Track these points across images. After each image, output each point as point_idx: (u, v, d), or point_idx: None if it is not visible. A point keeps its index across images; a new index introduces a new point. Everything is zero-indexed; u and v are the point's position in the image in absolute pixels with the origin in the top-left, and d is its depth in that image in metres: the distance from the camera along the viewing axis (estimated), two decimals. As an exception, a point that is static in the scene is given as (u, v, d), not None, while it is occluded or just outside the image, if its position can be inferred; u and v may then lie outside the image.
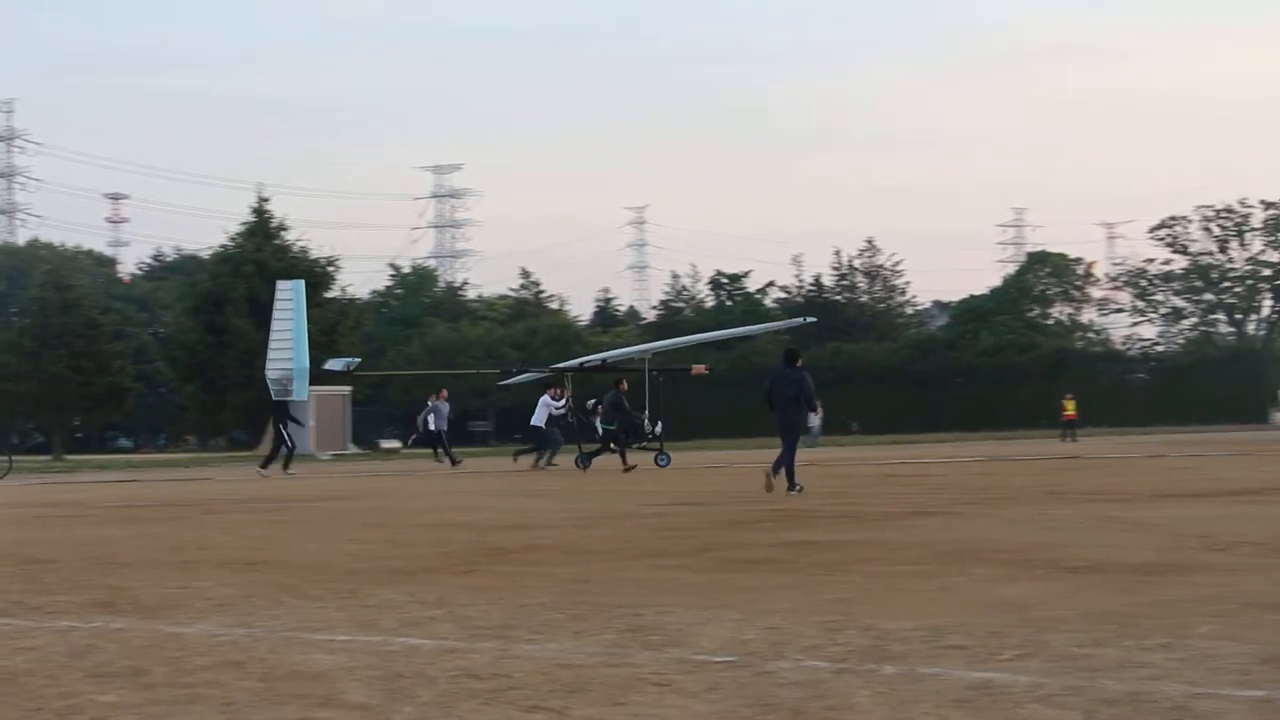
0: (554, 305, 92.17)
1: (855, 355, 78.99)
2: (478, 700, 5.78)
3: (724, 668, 6.30)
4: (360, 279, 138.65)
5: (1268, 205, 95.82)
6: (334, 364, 40.65)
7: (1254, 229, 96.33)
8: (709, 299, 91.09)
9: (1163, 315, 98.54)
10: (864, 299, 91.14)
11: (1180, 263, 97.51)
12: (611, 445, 30.76)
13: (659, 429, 31.09)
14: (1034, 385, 74.65)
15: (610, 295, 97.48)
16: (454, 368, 76.65)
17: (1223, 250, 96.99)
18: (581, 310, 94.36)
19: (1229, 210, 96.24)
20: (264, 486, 26.81)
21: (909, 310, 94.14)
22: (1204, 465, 27.43)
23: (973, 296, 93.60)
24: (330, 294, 62.53)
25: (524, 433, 42.70)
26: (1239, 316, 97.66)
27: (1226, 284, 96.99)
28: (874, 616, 7.64)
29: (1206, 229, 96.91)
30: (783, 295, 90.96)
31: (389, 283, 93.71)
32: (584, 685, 6.01)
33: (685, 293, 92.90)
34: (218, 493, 24.69)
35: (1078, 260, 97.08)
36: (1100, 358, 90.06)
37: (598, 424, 31.69)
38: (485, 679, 6.19)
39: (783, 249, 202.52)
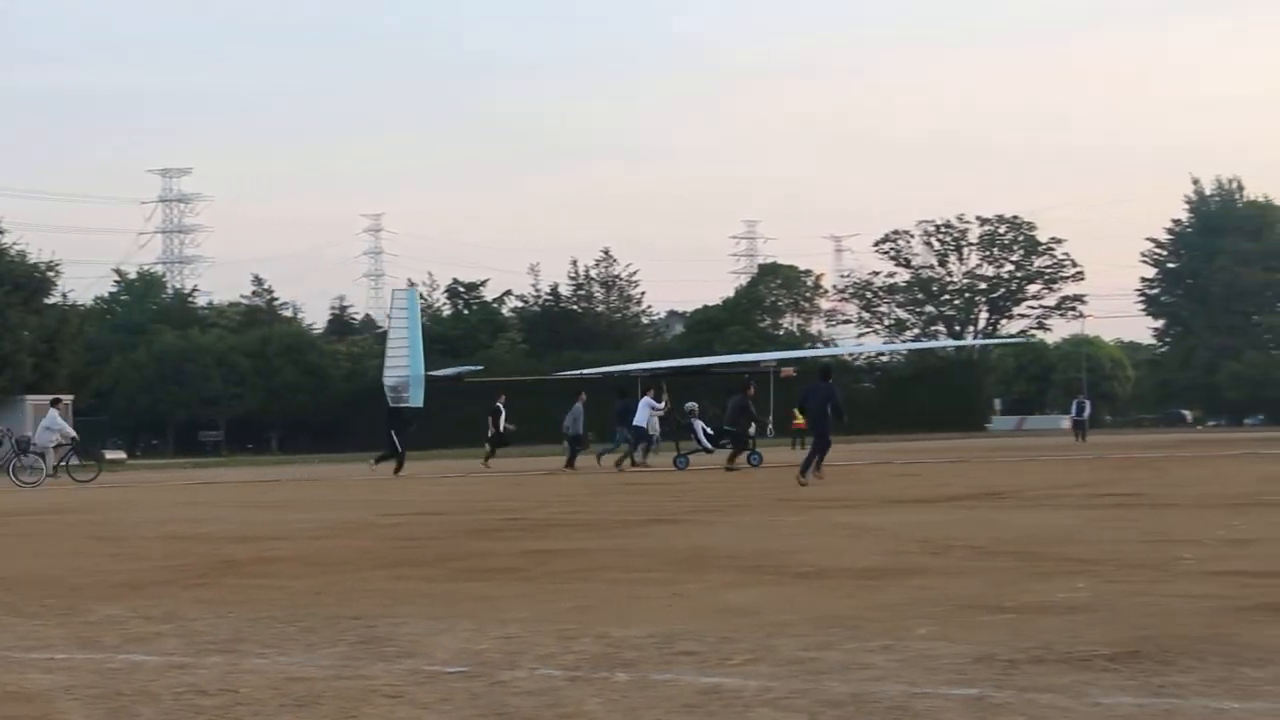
0: (287, 313, 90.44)
1: (591, 365, 79.45)
2: (204, 717, 5.65)
3: (457, 678, 6.28)
4: (83, 285, 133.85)
5: (983, 221, 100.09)
6: (447, 371, 39.92)
7: (971, 244, 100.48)
8: (446, 308, 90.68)
9: (887, 326, 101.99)
10: (600, 308, 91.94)
11: (903, 275, 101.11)
12: (723, 443, 31.82)
13: (755, 429, 32.55)
14: (765, 394, 76.24)
15: (346, 303, 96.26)
16: (182, 376, 74.63)
17: (942, 264, 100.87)
18: (316, 318, 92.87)
19: (948, 225, 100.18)
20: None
21: (645, 320, 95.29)
22: (925, 472, 28.42)
23: (707, 307, 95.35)
24: (50, 300, 60.19)
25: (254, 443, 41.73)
26: (958, 328, 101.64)
27: (946, 296, 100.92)
28: (608, 624, 7.71)
29: (928, 243, 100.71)
30: (520, 304, 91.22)
31: (114, 289, 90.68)
32: (315, 699, 5.93)
33: (422, 301, 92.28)
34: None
35: (807, 272, 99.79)
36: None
37: (695, 424, 32.73)
38: (212, 695, 6.05)
39: (520, 258, 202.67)
